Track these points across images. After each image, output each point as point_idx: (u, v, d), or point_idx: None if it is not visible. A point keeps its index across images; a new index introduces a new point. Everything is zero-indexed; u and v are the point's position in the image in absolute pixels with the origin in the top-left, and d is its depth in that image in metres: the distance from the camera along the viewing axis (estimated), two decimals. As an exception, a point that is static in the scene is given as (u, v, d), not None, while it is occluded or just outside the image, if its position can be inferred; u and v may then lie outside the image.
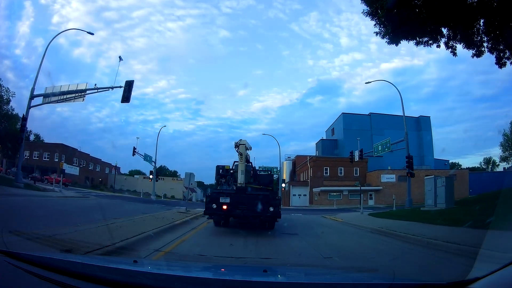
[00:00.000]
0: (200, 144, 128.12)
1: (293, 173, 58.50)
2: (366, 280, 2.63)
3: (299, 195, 47.39)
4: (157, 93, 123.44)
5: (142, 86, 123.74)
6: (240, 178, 10.63)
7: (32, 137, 69.88)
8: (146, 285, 2.02)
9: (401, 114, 68.16)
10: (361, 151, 32.71)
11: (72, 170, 59.95)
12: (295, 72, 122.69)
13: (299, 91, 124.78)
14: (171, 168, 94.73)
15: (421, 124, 63.83)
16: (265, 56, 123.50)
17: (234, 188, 11.17)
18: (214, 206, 9.73)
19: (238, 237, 9.44)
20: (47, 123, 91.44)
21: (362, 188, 41.47)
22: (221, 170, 12.89)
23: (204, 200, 11.41)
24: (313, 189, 45.06)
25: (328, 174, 45.97)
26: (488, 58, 11.73)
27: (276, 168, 45.47)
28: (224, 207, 9.67)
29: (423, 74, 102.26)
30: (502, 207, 7.00)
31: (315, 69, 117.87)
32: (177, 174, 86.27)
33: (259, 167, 45.85)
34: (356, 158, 33.79)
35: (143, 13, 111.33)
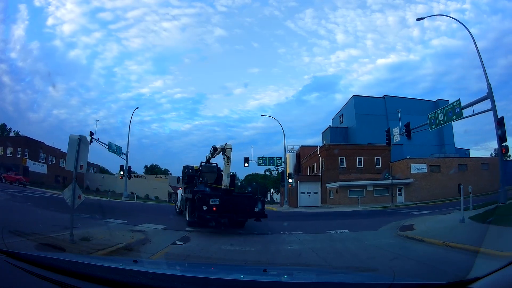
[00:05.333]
0: (197, 143, 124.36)
1: (298, 166, 47.69)
2: (366, 280, 2.52)
3: (309, 192, 36.53)
4: (153, 93, 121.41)
5: (138, 86, 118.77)
6: (226, 181, 10.74)
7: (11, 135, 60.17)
8: (146, 285, 1.93)
9: (417, 97, 57.01)
10: (407, 125, 21.93)
11: (38, 167, 48.77)
12: (291, 70, 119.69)
13: (296, 88, 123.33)
14: (163, 167, 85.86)
15: (440, 109, 53.45)
16: (261, 54, 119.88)
17: (200, 188, 11.23)
18: (205, 208, 9.39)
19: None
20: (44, 126, 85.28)
21: (393, 181, 30.93)
22: (190, 170, 12.73)
23: (191, 202, 10.21)
24: (327, 184, 34.23)
25: (345, 166, 35.19)
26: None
27: (280, 159, 34.65)
28: (214, 208, 9.46)
29: (419, 69, 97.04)
30: None
31: (311, 66, 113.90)
32: (168, 172, 77.76)
33: (259, 158, 35.05)
34: (397, 138, 23.04)
35: (138, 13, 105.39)
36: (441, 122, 19.95)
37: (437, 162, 36.99)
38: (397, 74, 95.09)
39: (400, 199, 32.99)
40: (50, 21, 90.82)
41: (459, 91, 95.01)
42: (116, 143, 31.70)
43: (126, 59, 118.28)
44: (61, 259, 2.35)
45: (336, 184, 31.84)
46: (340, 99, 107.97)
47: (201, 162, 12.89)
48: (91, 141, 27.56)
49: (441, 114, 20.15)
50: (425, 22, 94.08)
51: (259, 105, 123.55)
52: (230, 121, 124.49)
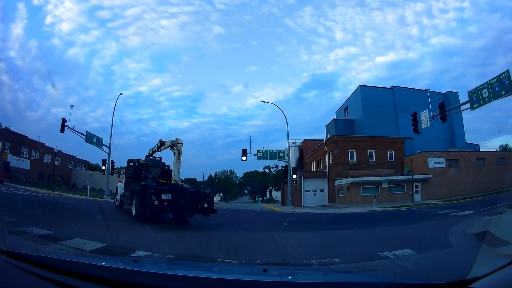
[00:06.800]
0: (195, 142, 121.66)
1: (300, 162, 43.46)
2: (366, 280, 2.45)
3: (314, 190, 32.23)
4: (151, 92, 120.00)
5: (136, 84, 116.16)
6: (177, 176, 10.86)
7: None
8: (146, 285, 1.86)
9: (426, 89, 52.96)
10: (441, 105, 17.77)
11: (20, 163, 44.25)
12: (290, 68, 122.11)
13: (294, 86, 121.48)
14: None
15: (450, 102, 48.92)
16: (259, 52, 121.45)
17: (148, 182, 11.01)
18: (157, 202, 9.24)
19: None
20: (42, 125, 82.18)
21: (410, 177, 26.73)
22: (136, 164, 12.22)
23: (141, 197, 9.81)
24: (335, 181, 29.95)
25: (355, 160, 30.89)
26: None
27: (283, 152, 30.35)
28: (165, 203, 9.39)
29: (418, 68, 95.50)
30: None
31: (309, 64, 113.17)
32: None
33: (258, 151, 30.75)
34: (426, 123, 18.83)
35: (136, 11, 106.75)
36: (486, 99, 15.85)
37: (455, 156, 33.00)
38: (396, 72, 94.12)
39: (417, 197, 28.85)
40: (48, 20, 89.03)
41: (457, 89, 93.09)
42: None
43: (125, 57, 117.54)
44: (61, 259, 2.28)
45: (347, 181, 27.55)
46: (339, 97, 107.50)
47: (146, 156, 12.80)
48: (63, 130, 23.11)
49: (485, 90, 16.00)
50: (424, 20, 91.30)
51: (258, 103, 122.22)
52: (228, 119, 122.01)
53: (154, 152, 13.12)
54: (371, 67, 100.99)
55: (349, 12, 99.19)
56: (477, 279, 1.68)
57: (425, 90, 49.48)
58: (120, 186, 14.20)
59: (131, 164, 12.51)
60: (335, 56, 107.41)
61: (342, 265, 4.95)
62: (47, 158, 48.76)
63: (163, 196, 9.39)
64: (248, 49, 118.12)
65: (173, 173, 10.88)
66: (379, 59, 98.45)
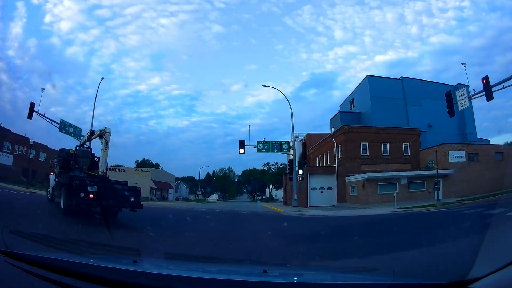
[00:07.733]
0: (194, 141, 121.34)
1: (304, 158, 40.00)
2: (366, 280, 2.38)
3: (321, 188, 28.67)
4: (150, 90, 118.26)
5: (135, 83, 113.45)
6: (103, 167, 10.57)
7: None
8: (146, 285, 1.84)
9: (435, 81, 49.06)
10: (486, 79, 14.42)
11: (2, 158, 41.01)
12: (289, 66, 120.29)
13: (294, 85, 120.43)
14: (155, 161, 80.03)
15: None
16: (259, 51, 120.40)
17: (76, 173, 10.61)
18: (82, 195, 8.71)
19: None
20: (40, 124, 79.67)
21: (432, 173, 23.28)
22: (66, 154, 11.55)
23: (68, 188, 9.35)
24: (346, 177, 26.42)
25: (368, 154, 27.39)
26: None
27: (287, 143, 26.86)
28: (91, 196, 8.83)
29: (417, 66, 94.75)
30: None
31: (309, 62, 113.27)
32: (159, 167, 72.21)
33: (259, 142, 27.35)
34: (464, 104, 15.54)
35: (135, 9, 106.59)
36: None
37: (475, 149, 29.73)
38: (395, 71, 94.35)
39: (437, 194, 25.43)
40: (47, 19, 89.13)
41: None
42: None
43: (124, 56, 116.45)
44: (61, 259, 2.22)
45: (361, 177, 23.98)
46: (338, 95, 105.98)
47: (76, 146, 12.43)
48: (31, 116, 19.55)
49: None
50: (424, 19, 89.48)
51: (257, 101, 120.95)
52: (227, 118, 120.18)
53: (84, 142, 12.51)
54: (370, 66, 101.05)
55: (349, 11, 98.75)
56: (477, 279, 1.65)
57: (435, 82, 46.36)
58: (52, 177, 13.17)
59: (61, 154, 11.75)
60: (334, 55, 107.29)
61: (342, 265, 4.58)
62: (32, 154, 45.18)
63: (89, 188, 8.79)
64: (247, 48, 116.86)
65: (100, 164, 10.61)
66: (379, 58, 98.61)
